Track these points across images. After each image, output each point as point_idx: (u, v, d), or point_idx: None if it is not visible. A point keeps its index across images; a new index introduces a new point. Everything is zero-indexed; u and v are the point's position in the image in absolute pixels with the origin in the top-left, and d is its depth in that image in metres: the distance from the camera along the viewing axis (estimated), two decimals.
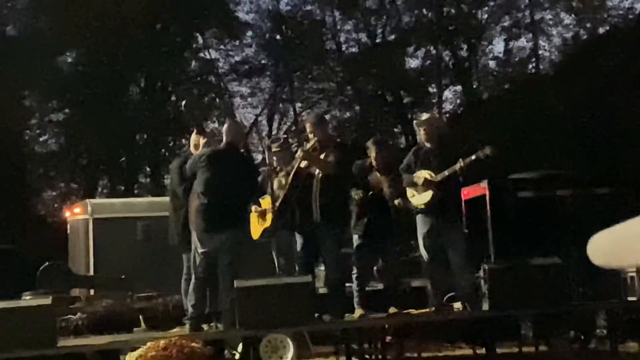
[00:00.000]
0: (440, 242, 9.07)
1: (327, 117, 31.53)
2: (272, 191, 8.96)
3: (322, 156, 8.84)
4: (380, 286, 9.71)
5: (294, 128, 29.01)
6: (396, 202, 9.07)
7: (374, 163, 9.33)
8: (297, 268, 9.05)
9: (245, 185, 8.64)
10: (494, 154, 8.60)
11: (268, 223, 8.94)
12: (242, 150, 9.10)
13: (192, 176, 8.69)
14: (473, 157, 8.66)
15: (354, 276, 9.23)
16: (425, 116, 9.88)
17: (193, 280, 8.51)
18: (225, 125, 9.03)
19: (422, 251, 9.23)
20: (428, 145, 9.20)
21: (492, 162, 8.72)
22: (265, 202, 9.01)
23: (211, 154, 8.72)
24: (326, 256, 9.00)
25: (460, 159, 8.69)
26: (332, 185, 8.83)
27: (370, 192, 9.14)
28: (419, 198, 9.06)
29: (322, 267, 9.52)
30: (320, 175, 8.83)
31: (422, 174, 9.00)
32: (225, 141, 8.83)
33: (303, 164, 8.87)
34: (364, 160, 9.41)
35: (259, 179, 9.14)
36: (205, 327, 8.53)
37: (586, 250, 8.92)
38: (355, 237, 9.26)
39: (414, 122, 10.56)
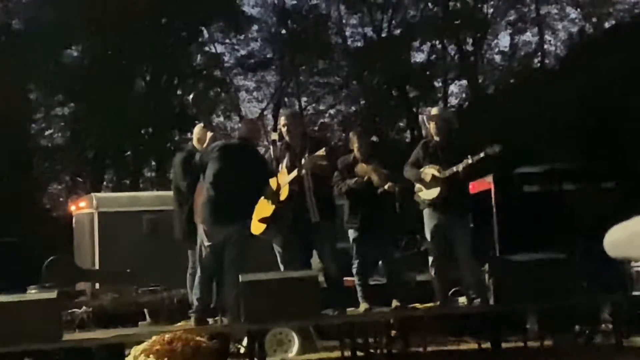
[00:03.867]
0: (447, 236, 9.03)
1: (333, 111, 31.88)
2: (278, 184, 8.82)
3: (320, 160, 8.55)
4: (384, 280, 9.67)
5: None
6: (386, 186, 8.89)
7: (357, 154, 9.18)
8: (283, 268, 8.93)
9: (256, 180, 8.49)
10: (502, 151, 8.56)
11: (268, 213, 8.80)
12: (255, 147, 8.95)
13: (200, 169, 8.58)
14: (482, 154, 8.55)
15: (354, 270, 9.12)
16: (435, 110, 9.79)
17: (198, 273, 8.43)
18: (242, 121, 8.98)
19: (429, 245, 9.24)
20: (437, 139, 9.10)
21: (497, 156, 8.68)
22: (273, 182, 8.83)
23: (224, 146, 8.63)
24: (324, 252, 8.90)
25: (469, 156, 8.59)
26: (323, 183, 8.76)
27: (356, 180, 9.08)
28: (426, 193, 9.01)
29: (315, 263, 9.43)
30: (310, 175, 8.63)
31: (430, 171, 8.93)
32: (240, 136, 8.78)
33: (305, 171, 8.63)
34: (347, 156, 9.29)
35: (270, 175, 8.82)
36: (210, 321, 8.51)
37: (591, 245, 8.88)
38: (350, 232, 9.12)
39: (423, 115, 10.43)
